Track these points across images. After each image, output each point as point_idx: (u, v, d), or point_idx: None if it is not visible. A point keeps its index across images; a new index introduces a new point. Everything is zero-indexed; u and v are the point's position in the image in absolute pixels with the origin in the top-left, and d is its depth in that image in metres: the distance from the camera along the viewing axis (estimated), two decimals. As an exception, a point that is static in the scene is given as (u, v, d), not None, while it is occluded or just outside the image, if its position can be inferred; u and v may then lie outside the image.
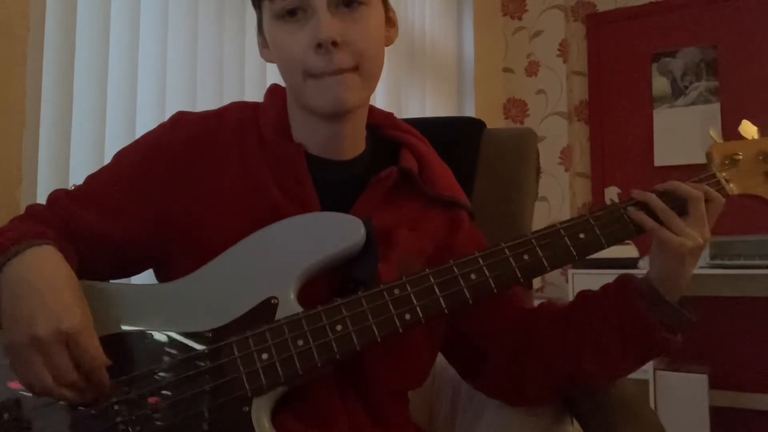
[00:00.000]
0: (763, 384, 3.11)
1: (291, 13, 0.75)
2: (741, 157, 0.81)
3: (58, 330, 0.63)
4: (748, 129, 0.83)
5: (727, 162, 0.81)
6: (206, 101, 1.65)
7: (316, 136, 0.82)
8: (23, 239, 0.69)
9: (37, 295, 0.65)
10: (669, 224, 0.75)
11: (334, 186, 0.81)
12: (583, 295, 0.83)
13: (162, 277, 0.82)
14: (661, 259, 0.76)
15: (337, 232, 0.74)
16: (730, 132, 0.85)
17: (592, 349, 0.79)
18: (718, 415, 2.85)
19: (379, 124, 0.91)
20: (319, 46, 0.73)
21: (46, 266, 0.68)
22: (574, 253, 0.75)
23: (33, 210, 0.80)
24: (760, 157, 0.82)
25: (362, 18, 0.76)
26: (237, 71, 1.78)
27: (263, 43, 0.84)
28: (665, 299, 0.76)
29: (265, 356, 0.68)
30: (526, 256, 0.74)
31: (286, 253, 0.74)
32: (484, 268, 0.73)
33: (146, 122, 1.44)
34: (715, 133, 0.84)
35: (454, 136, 1.19)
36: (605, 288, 0.82)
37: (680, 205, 0.77)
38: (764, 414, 3.06)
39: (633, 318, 0.76)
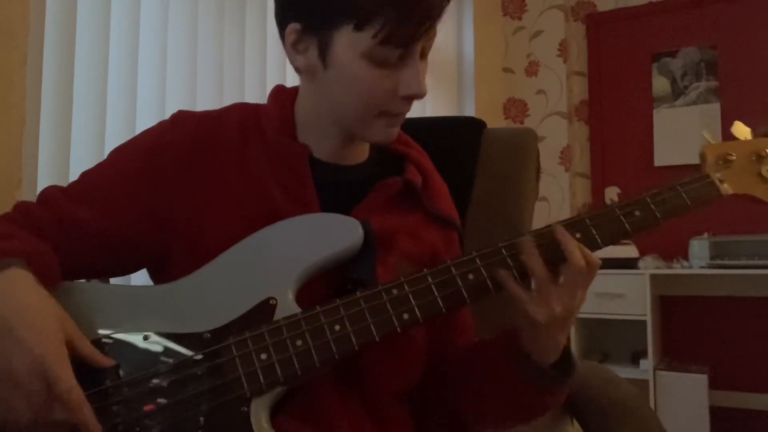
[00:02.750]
0: (763, 384, 3.11)
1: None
2: (734, 157, 0.82)
3: (36, 364, 0.60)
4: (741, 130, 0.84)
5: (720, 162, 0.82)
6: (206, 101, 1.66)
7: (328, 144, 0.82)
8: None
9: (7, 329, 0.61)
10: (538, 292, 0.69)
11: (334, 188, 0.81)
12: (473, 353, 0.84)
13: (159, 277, 0.82)
14: (525, 324, 0.72)
15: (335, 233, 0.74)
16: (730, 132, 0.85)
17: (476, 411, 0.83)
18: (718, 415, 2.85)
19: None
20: (412, 97, 0.76)
21: (15, 294, 0.63)
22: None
23: (23, 208, 0.77)
24: (753, 157, 0.82)
25: (425, 70, 0.79)
26: (237, 71, 1.78)
27: (302, 48, 0.77)
28: (535, 363, 0.74)
29: (263, 356, 0.68)
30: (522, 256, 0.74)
31: (284, 254, 0.73)
32: (481, 268, 0.73)
33: (146, 122, 1.43)
34: (708, 134, 0.84)
35: (454, 136, 1.19)
36: (492, 346, 0.81)
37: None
38: (764, 414, 3.06)
39: (510, 384, 0.77)
